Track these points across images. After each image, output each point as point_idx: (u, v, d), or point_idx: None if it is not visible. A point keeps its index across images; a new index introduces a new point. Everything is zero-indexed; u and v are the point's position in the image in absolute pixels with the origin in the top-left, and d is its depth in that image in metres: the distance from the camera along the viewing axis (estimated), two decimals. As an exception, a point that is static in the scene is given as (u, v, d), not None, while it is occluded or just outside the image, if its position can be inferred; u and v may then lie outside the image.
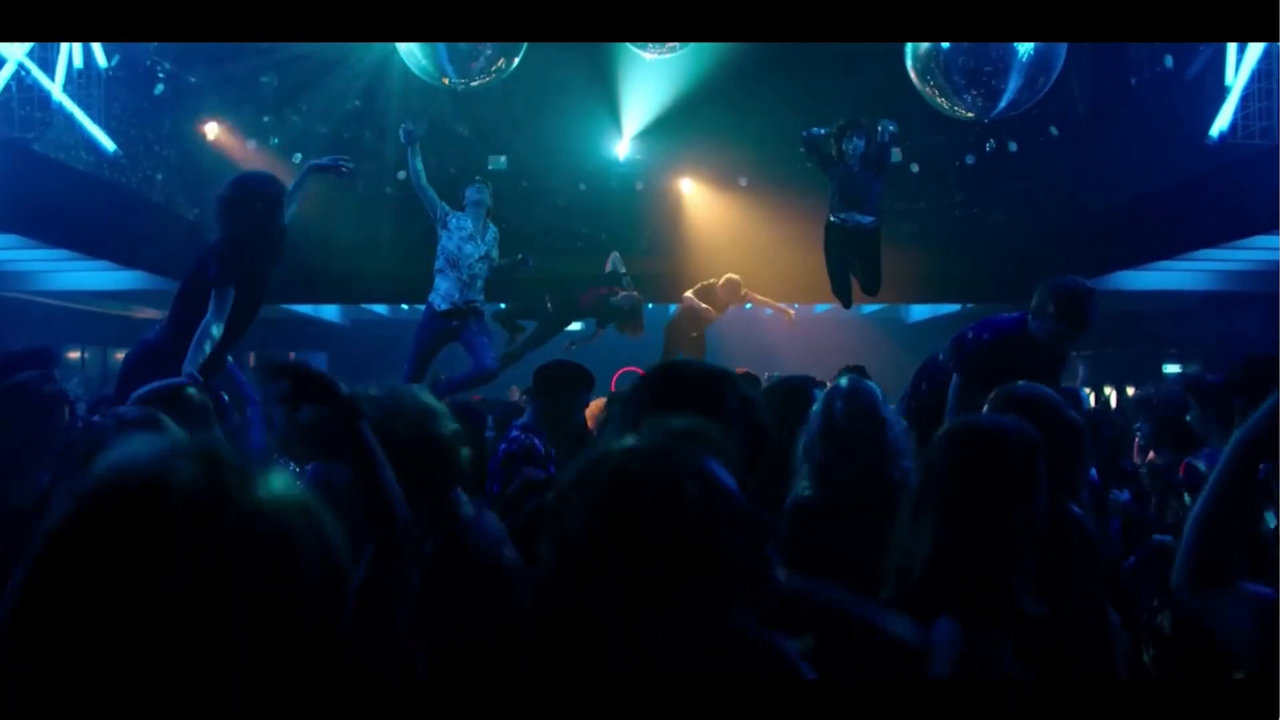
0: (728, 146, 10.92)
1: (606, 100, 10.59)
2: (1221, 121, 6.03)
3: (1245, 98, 5.94)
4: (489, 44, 7.28)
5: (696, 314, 9.26)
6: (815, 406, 2.76)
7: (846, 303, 8.24)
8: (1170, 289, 11.07)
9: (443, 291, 6.80)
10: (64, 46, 6.15)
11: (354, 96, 10.72)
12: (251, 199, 4.20)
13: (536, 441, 3.91)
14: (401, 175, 10.86)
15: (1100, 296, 4.21)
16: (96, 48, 6.70)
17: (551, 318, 8.90)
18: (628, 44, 8.53)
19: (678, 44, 8.35)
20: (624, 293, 8.82)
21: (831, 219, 7.40)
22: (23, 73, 6.00)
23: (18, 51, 5.91)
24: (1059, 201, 9.31)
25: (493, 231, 7.04)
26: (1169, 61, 7.30)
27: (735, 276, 9.20)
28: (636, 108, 10.55)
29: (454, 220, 6.86)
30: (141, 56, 8.03)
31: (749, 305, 10.19)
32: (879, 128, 7.07)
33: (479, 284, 6.94)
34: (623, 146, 11.12)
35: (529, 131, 10.89)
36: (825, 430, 2.64)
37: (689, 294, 9.17)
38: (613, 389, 12.30)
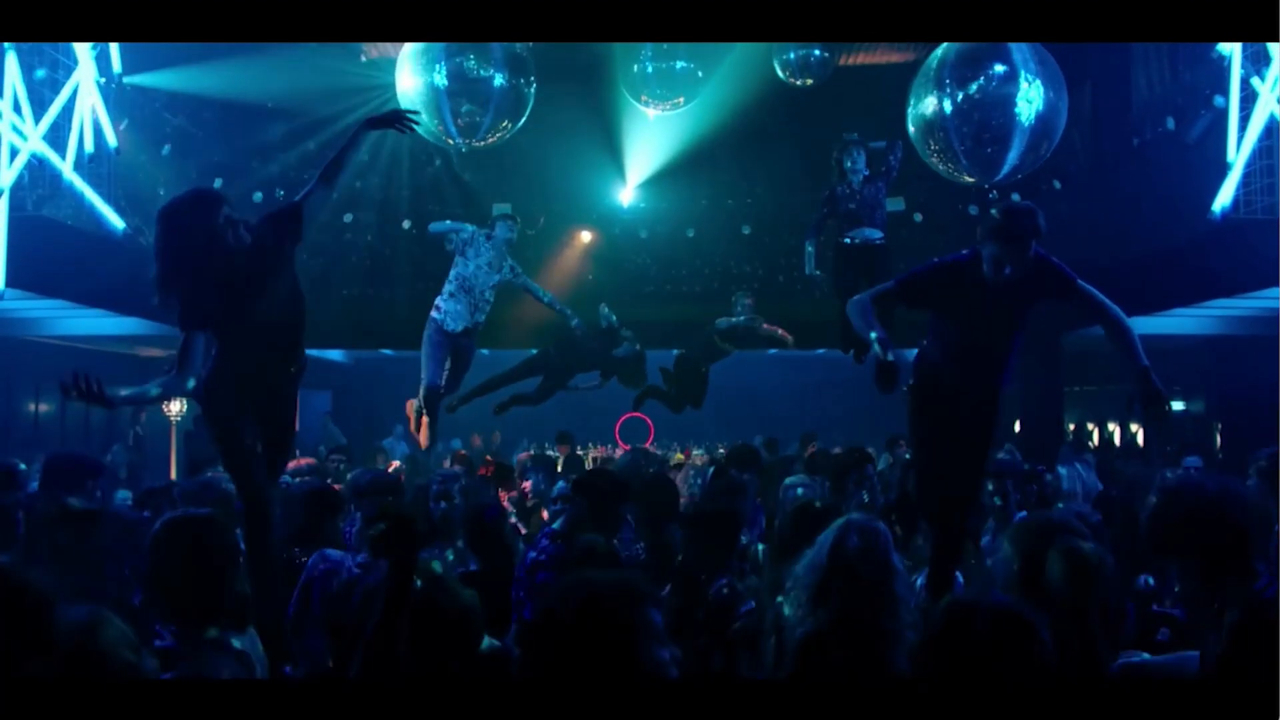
0: (731, 195, 10.99)
1: (610, 152, 10.66)
2: (1224, 198, 6.05)
3: (1247, 175, 5.97)
4: (492, 109, 7.36)
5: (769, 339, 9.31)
6: (825, 536, 2.75)
7: (859, 351, 8.01)
8: (1172, 333, 11.08)
9: (453, 313, 7.09)
10: (74, 129, 6.24)
11: (361, 147, 10.75)
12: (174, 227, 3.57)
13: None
14: (407, 224, 10.94)
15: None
16: (106, 127, 6.82)
17: (557, 372, 8.93)
18: (632, 100, 8.60)
19: (681, 101, 8.44)
20: (625, 344, 8.85)
21: (840, 240, 7.33)
22: (35, 160, 6.08)
23: (33, 139, 5.99)
24: (1060, 252, 9.32)
25: (508, 264, 7.35)
26: (1170, 123, 7.35)
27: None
28: (640, 160, 10.61)
29: (471, 250, 7.16)
30: (150, 115, 8.11)
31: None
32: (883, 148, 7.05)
33: (486, 309, 7.27)
34: (627, 194, 11.17)
35: (532, 179, 10.94)
36: (833, 563, 2.63)
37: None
38: (617, 435, 12.38)
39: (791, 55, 7.93)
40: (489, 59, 7.25)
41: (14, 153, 5.84)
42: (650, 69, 8.20)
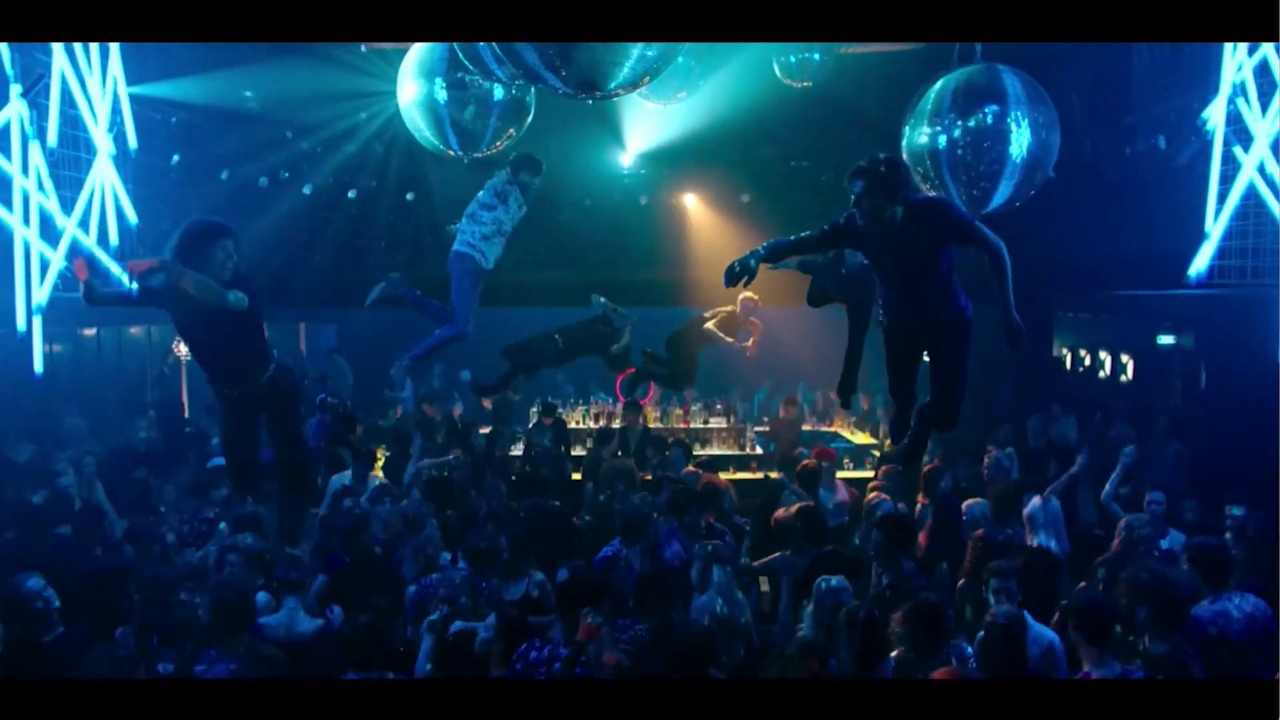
0: (731, 164, 11.03)
1: (610, 127, 10.65)
2: (1200, 264, 6.22)
3: (1222, 249, 6.12)
4: (495, 117, 7.39)
5: (714, 341, 9.61)
6: None
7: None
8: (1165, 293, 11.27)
9: (490, 255, 7.70)
10: (94, 212, 6.32)
11: (360, 113, 10.72)
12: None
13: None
14: (410, 196, 11.01)
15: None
16: (126, 205, 6.87)
17: (561, 356, 9.27)
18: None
19: (683, 95, 8.41)
20: (623, 341, 9.21)
21: (836, 268, 7.53)
22: (68, 273, 6.20)
23: (69, 228, 6.09)
24: (1050, 242, 9.42)
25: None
26: (1162, 142, 7.40)
27: (751, 296, 9.54)
28: (639, 136, 10.62)
29: (514, 198, 7.82)
30: (155, 121, 8.11)
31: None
32: None
33: None
34: (627, 157, 11.21)
35: (532, 147, 10.95)
36: None
37: (710, 325, 9.49)
38: (618, 390, 12.72)
39: (791, 59, 7.90)
40: (489, 71, 7.23)
41: (45, 261, 5.99)
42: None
